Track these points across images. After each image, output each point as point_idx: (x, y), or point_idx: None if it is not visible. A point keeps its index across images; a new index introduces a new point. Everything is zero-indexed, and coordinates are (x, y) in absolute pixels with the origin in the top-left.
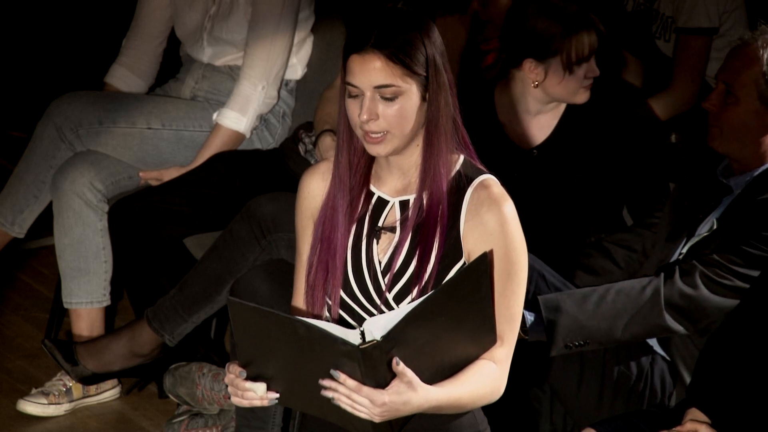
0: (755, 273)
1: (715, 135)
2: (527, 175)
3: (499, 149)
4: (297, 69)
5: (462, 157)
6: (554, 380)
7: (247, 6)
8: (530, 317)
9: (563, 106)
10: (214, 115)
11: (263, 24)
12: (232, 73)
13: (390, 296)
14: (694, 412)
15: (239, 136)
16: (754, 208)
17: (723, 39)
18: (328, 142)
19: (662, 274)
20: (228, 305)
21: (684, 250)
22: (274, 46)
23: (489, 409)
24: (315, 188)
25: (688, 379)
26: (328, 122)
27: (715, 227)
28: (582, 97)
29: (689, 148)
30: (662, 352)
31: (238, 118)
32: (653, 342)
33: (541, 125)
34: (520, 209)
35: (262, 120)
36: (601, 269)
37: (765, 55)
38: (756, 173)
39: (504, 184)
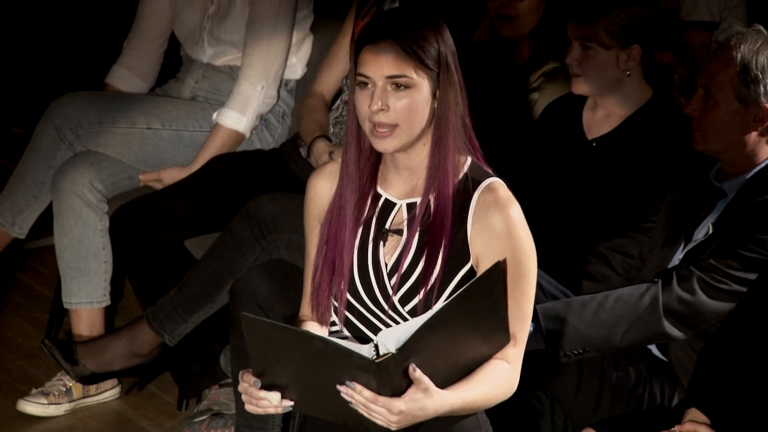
0: (752, 276)
1: (698, 139)
2: (581, 165)
3: (569, 134)
4: (297, 68)
5: (469, 159)
6: (553, 385)
7: (244, 6)
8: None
9: (633, 104)
10: (214, 115)
11: (261, 24)
12: (232, 73)
13: (396, 299)
14: (694, 413)
15: (239, 136)
16: (749, 211)
17: None
18: (321, 147)
19: (660, 281)
20: (242, 322)
21: (681, 256)
22: (272, 46)
23: (491, 410)
24: (322, 189)
25: (686, 382)
26: (317, 130)
27: (711, 232)
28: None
29: (682, 150)
30: (661, 356)
31: (238, 117)
32: (652, 345)
33: (606, 117)
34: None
35: (262, 120)
36: (599, 275)
37: (739, 55)
38: (748, 176)
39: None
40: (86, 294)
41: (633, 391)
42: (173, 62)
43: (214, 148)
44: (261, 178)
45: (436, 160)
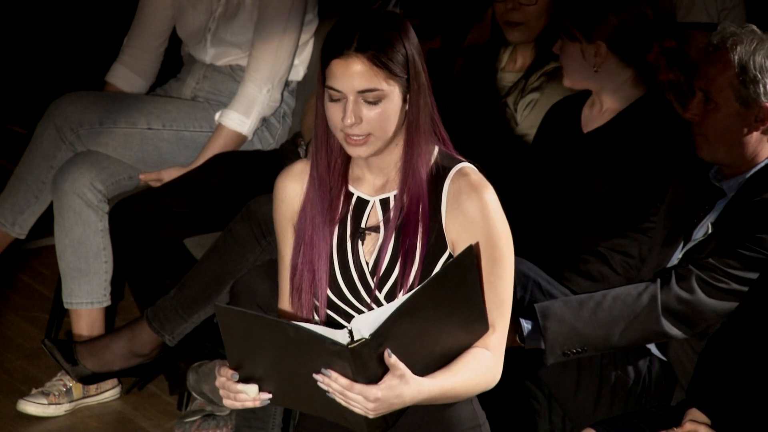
0: (752, 275)
1: (701, 144)
2: (574, 157)
3: (568, 130)
4: (299, 70)
5: (437, 148)
6: (552, 384)
7: (253, 8)
8: (527, 325)
9: (626, 99)
10: (217, 115)
11: (270, 27)
12: (234, 74)
13: (381, 295)
14: (694, 413)
15: (241, 138)
16: (748, 210)
17: None
18: None
19: (658, 280)
20: (215, 311)
21: (680, 255)
22: (280, 49)
23: (489, 408)
24: (291, 190)
25: (686, 382)
26: None
27: (710, 231)
28: None
29: (675, 145)
30: (660, 355)
31: (241, 119)
32: (651, 345)
33: (601, 113)
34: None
35: (263, 120)
36: (598, 275)
37: (736, 57)
38: (748, 175)
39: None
40: (86, 294)
41: (632, 390)
42: (174, 62)
43: (216, 148)
44: (261, 178)
45: (409, 159)
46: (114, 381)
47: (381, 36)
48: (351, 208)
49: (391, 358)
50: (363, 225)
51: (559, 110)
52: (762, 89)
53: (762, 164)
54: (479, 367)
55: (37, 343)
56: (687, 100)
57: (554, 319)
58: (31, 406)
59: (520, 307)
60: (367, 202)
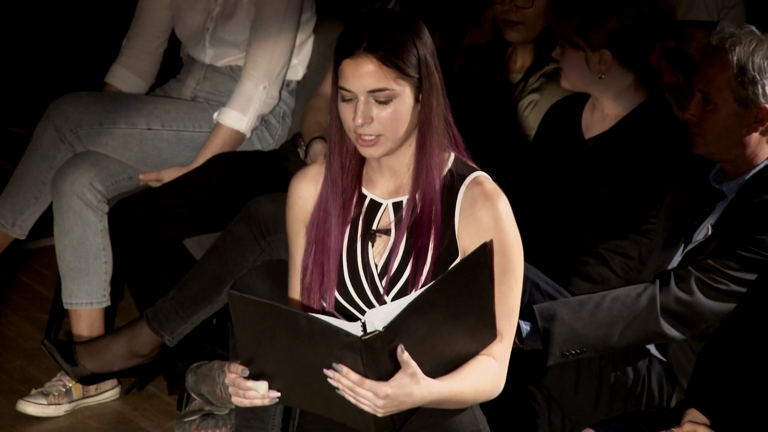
0: (751, 276)
1: (699, 143)
2: (577, 164)
3: (568, 134)
4: (298, 70)
5: (453, 155)
6: (551, 385)
7: (251, 7)
8: (526, 326)
9: (628, 105)
10: (215, 114)
11: (267, 24)
12: (233, 74)
13: (388, 299)
14: (693, 413)
15: (240, 136)
16: (748, 211)
17: None
18: (318, 149)
19: (658, 281)
20: (229, 299)
21: (680, 258)
22: (277, 47)
23: (488, 410)
24: (306, 192)
25: (685, 382)
26: (317, 130)
27: (710, 233)
28: None
29: (676, 152)
30: (659, 355)
31: (239, 117)
32: (650, 345)
33: (602, 118)
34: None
35: (263, 121)
36: (598, 277)
37: (734, 58)
38: (747, 177)
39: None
40: (86, 294)
41: (631, 391)
42: (174, 62)
43: (214, 147)
44: (261, 178)
45: (421, 160)
46: (114, 381)
47: (391, 36)
48: (363, 210)
49: (404, 355)
50: (374, 227)
51: (558, 111)
52: (761, 90)
53: (761, 165)
54: (486, 375)
55: (37, 343)
56: (686, 101)
57: (553, 320)
58: (30, 407)
59: (519, 308)
60: (380, 204)
